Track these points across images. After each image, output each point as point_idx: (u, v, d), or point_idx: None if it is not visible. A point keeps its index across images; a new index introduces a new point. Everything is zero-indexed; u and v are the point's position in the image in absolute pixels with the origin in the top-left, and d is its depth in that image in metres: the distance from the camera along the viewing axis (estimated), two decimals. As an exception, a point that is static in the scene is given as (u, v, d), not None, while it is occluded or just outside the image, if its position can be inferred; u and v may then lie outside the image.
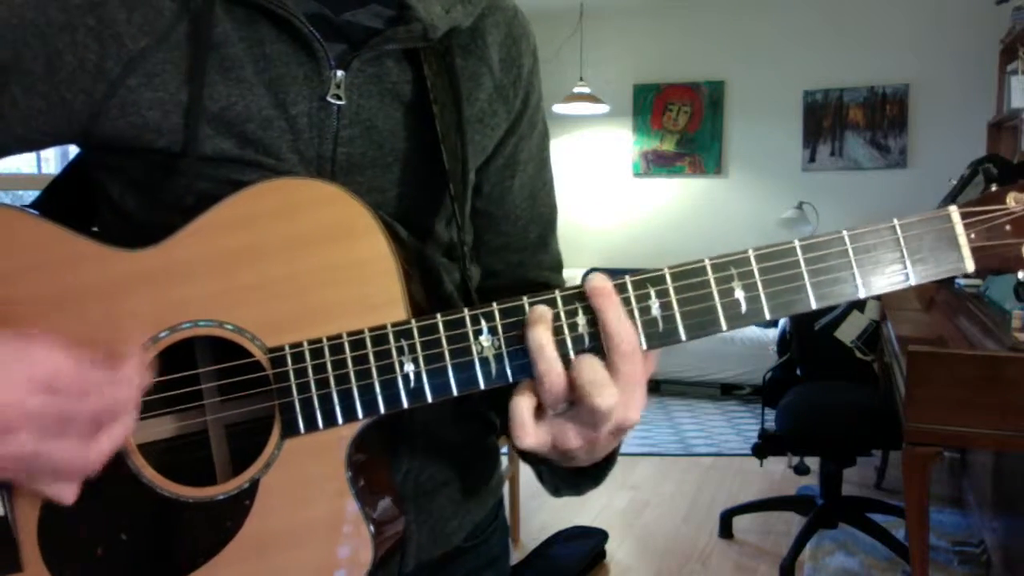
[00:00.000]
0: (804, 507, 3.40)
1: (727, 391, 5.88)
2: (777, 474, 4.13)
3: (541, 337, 0.62)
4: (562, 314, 0.64)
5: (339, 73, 0.72)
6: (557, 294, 0.64)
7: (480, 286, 0.84)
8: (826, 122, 6.07)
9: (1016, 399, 2.09)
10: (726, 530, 3.48)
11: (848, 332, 3.58)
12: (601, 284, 0.63)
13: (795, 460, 3.40)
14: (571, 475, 0.73)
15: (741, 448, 4.65)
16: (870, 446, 3.43)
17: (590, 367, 0.61)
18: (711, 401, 5.77)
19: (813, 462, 3.51)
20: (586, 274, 0.65)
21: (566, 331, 0.64)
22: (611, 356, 0.62)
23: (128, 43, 0.68)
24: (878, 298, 3.55)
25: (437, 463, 0.81)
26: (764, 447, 3.24)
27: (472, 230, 0.84)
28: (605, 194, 6.64)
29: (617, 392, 0.61)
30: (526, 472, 4.09)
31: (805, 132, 6.12)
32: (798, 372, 3.59)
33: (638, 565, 3.28)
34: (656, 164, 6.57)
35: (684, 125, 6.48)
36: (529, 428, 0.63)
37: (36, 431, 0.57)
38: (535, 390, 0.63)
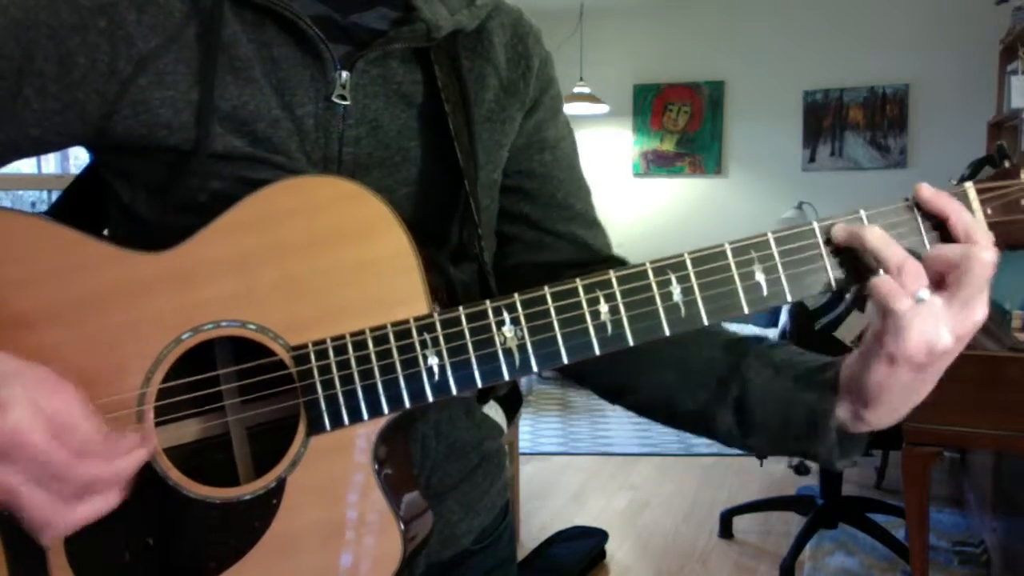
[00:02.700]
0: (804, 507, 3.39)
1: (727, 391, 5.87)
2: (777, 474, 4.13)
3: (878, 235, 0.62)
4: (584, 303, 0.64)
5: (344, 74, 0.72)
6: (579, 283, 0.65)
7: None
8: (826, 122, 6.07)
9: (1016, 399, 2.09)
10: (726, 530, 3.48)
11: (848, 332, 3.58)
12: (935, 190, 0.64)
13: (795, 460, 3.39)
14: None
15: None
16: (870, 446, 3.42)
17: (951, 246, 0.62)
18: (711, 401, 5.76)
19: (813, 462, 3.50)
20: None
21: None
22: (972, 248, 0.62)
23: (139, 43, 0.69)
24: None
25: (447, 466, 0.82)
26: (764, 447, 3.24)
27: (493, 226, 0.83)
28: (605, 194, 6.63)
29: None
30: (526, 472, 4.10)
31: (805, 132, 6.12)
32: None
33: (638, 565, 3.28)
34: (656, 164, 6.56)
35: (684, 125, 6.47)
36: (905, 292, 0.62)
37: (27, 472, 0.57)
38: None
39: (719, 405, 0.75)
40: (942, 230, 0.64)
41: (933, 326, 0.62)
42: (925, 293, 0.62)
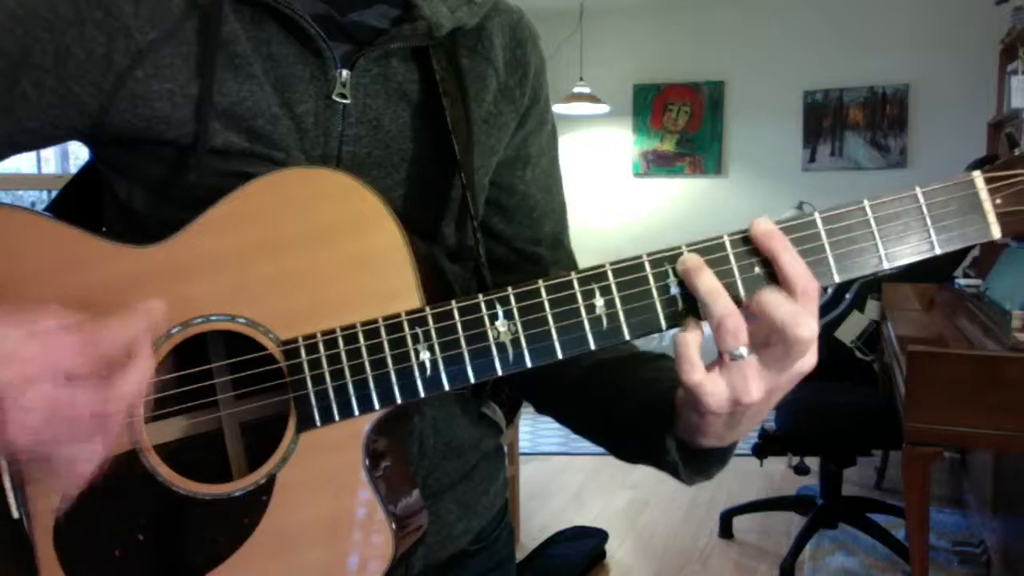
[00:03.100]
0: (804, 507, 3.40)
1: (727, 391, 5.87)
2: (777, 474, 4.13)
3: (710, 282, 0.60)
4: (579, 296, 0.63)
5: (344, 72, 0.72)
6: (574, 276, 0.63)
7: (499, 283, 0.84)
8: (826, 122, 6.06)
9: (1016, 399, 2.09)
10: (726, 530, 3.48)
11: (848, 332, 3.58)
12: (770, 227, 0.61)
13: (795, 460, 3.39)
14: (704, 458, 0.70)
15: (741, 448, 4.63)
16: (870, 446, 3.43)
17: (779, 301, 0.59)
18: (711, 401, 5.76)
19: (813, 462, 3.51)
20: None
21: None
22: (795, 296, 0.60)
23: (136, 35, 0.68)
24: (878, 297, 3.55)
25: (445, 465, 0.81)
26: (764, 447, 3.24)
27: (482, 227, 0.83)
28: (605, 194, 6.63)
29: (815, 323, 0.59)
30: (526, 472, 4.10)
31: (805, 132, 6.12)
32: (798, 372, 3.58)
33: (638, 565, 3.28)
34: (656, 164, 6.56)
35: (684, 125, 6.47)
36: (697, 364, 0.61)
37: (53, 380, 0.56)
38: (698, 330, 0.61)
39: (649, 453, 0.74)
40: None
41: (741, 383, 0.60)
42: (742, 351, 0.60)
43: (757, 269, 0.62)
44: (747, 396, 0.60)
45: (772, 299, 0.59)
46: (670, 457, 0.71)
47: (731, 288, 0.61)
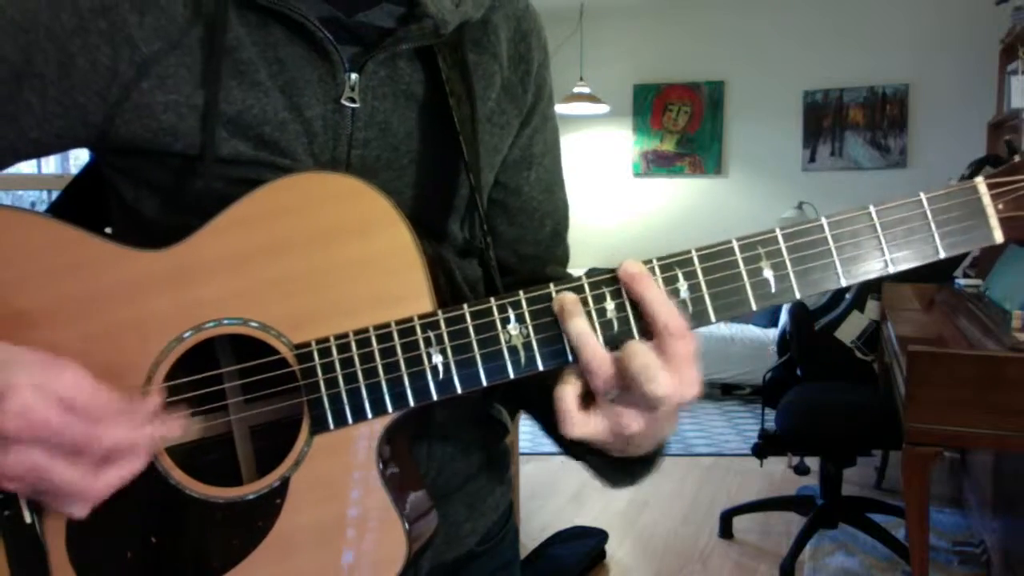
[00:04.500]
0: (804, 507, 3.39)
1: (727, 391, 5.88)
2: (777, 474, 4.13)
3: (580, 327, 0.61)
4: (590, 300, 0.63)
5: (353, 76, 0.72)
6: (584, 280, 0.63)
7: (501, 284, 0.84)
8: (826, 122, 6.07)
9: (1016, 399, 2.09)
10: (726, 530, 3.48)
11: (848, 332, 3.58)
12: (636, 269, 0.61)
13: (795, 460, 3.39)
14: (627, 464, 0.71)
15: (741, 448, 4.65)
16: (870, 446, 3.43)
17: (640, 353, 0.59)
18: (711, 401, 5.77)
19: (813, 462, 3.51)
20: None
21: (595, 317, 0.63)
22: (660, 339, 0.60)
23: (141, 46, 0.68)
24: (878, 297, 3.55)
25: (452, 466, 0.82)
26: (764, 447, 3.25)
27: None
28: (605, 194, 6.63)
29: (670, 376, 0.59)
30: (526, 472, 4.10)
31: (805, 132, 6.12)
32: (798, 372, 3.59)
33: (638, 565, 3.28)
34: (656, 164, 6.56)
35: (684, 125, 6.48)
36: (576, 417, 0.62)
37: (49, 448, 0.57)
38: (580, 377, 0.62)
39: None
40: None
41: (615, 420, 0.61)
42: (612, 393, 0.61)
43: (628, 309, 0.63)
44: (627, 430, 0.62)
45: (628, 351, 0.60)
46: (590, 462, 0.72)
47: (607, 326, 0.63)
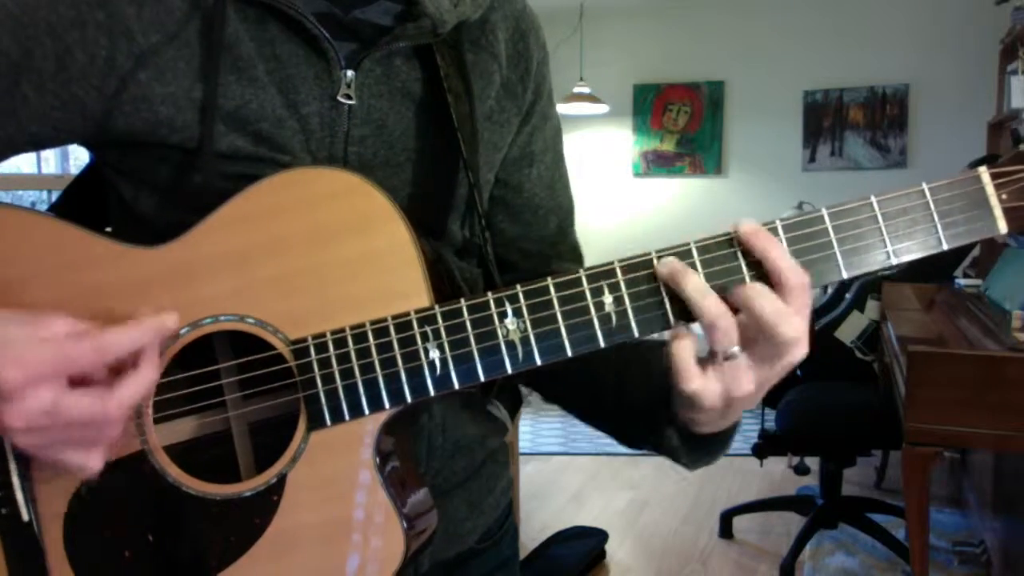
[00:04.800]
0: (804, 507, 3.39)
1: (727, 391, 5.87)
2: (777, 474, 4.13)
3: (700, 284, 0.61)
4: (588, 294, 0.64)
5: (349, 73, 0.72)
6: (583, 273, 0.64)
7: (503, 281, 0.84)
8: (826, 122, 6.07)
9: (1016, 399, 2.09)
10: (726, 530, 3.48)
11: (848, 332, 3.58)
12: (755, 226, 0.62)
13: (795, 460, 3.39)
14: (706, 442, 0.71)
15: (741, 448, 4.64)
16: (870, 446, 3.43)
17: (769, 299, 0.60)
18: (711, 401, 5.76)
19: (813, 462, 3.51)
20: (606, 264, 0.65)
21: (592, 311, 0.64)
22: (785, 292, 0.61)
23: (139, 38, 0.68)
24: (878, 297, 3.55)
25: (453, 463, 0.82)
26: (764, 447, 3.25)
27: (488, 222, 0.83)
28: (605, 194, 6.63)
29: (801, 321, 0.60)
30: (526, 472, 4.10)
31: (805, 132, 6.12)
32: (798, 372, 3.59)
33: (638, 565, 3.28)
34: (656, 164, 6.56)
35: (684, 125, 6.47)
36: (694, 371, 0.62)
37: (54, 383, 0.57)
38: (690, 336, 0.63)
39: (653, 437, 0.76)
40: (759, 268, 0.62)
41: (734, 380, 0.62)
42: (735, 350, 0.62)
43: (745, 269, 0.63)
44: (740, 391, 0.62)
45: (758, 296, 0.60)
46: (671, 444, 0.72)
47: (719, 290, 0.62)
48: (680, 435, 0.71)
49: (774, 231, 0.63)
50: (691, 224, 6.40)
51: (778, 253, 0.61)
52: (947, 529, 3.40)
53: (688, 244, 0.63)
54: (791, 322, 0.60)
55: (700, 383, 0.62)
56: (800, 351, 0.62)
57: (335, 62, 0.71)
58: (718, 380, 0.62)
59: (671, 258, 0.63)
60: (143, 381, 0.61)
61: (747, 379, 0.62)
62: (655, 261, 0.63)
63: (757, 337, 0.61)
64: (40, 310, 0.62)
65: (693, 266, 0.63)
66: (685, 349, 0.62)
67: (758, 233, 0.62)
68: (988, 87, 5.21)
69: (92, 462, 0.61)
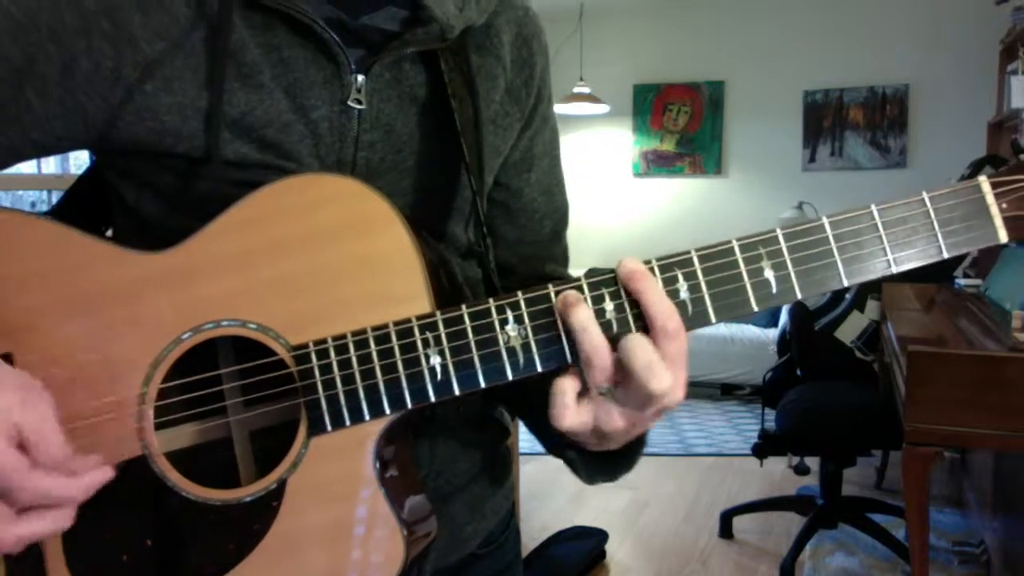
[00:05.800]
0: (804, 507, 3.39)
1: (727, 391, 5.88)
2: (777, 474, 4.13)
3: (584, 318, 0.61)
4: (589, 300, 0.63)
5: (360, 78, 0.72)
6: (584, 281, 0.63)
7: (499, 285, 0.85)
8: (826, 122, 6.07)
9: (1016, 399, 2.09)
10: (726, 530, 3.48)
11: (848, 332, 3.58)
12: (636, 267, 0.62)
13: (795, 460, 3.39)
14: (604, 459, 0.72)
15: (741, 448, 4.65)
16: (870, 446, 3.43)
17: (643, 349, 0.60)
18: (711, 401, 5.77)
19: (813, 462, 3.51)
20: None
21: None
22: (657, 337, 0.61)
23: (144, 47, 0.67)
24: (878, 297, 3.55)
25: (454, 468, 0.82)
26: (764, 447, 3.24)
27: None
28: (605, 194, 6.63)
29: (671, 375, 0.60)
30: (526, 472, 4.10)
31: (805, 132, 6.12)
32: (798, 372, 3.59)
33: (638, 565, 3.28)
34: (656, 164, 6.56)
35: (684, 125, 6.48)
36: (571, 409, 0.63)
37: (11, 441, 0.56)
38: (578, 373, 0.63)
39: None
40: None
41: (605, 415, 0.63)
42: (606, 387, 0.62)
43: (627, 309, 0.63)
44: (609, 426, 0.63)
45: (632, 346, 0.60)
46: (569, 457, 0.73)
47: (606, 327, 0.63)
48: (576, 451, 0.72)
49: (774, 239, 0.63)
50: (691, 224, 6.41)
51: (653, 297, 0.61)
52: (947, 529, 3.40)
53: (580, 279, 0.64)
54: (661, 376, 0.60)
55: (570, 421, 0.63)
56: (672, 400, 0.62)
57: (345, 66, 0.71)
58: (589, 413, 0.63)
59: (572, 291, 0.63)
60: (50, 528, 0.59)
61: (617, 416, 0.63)
62: (655, 267, 0.63)
63: (629, 383, 0.61)
64: (44, 316, 0.61)
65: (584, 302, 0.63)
66: (567, 390, 0.63)
67: (634, 275, 0.62)
68: (988, 87, 5.21)
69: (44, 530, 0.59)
